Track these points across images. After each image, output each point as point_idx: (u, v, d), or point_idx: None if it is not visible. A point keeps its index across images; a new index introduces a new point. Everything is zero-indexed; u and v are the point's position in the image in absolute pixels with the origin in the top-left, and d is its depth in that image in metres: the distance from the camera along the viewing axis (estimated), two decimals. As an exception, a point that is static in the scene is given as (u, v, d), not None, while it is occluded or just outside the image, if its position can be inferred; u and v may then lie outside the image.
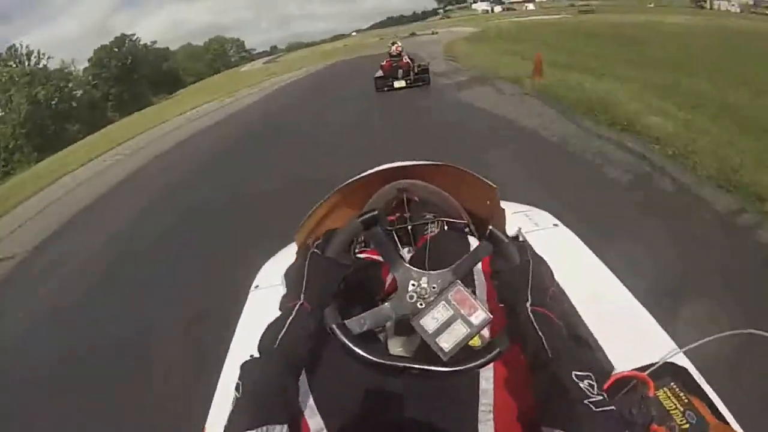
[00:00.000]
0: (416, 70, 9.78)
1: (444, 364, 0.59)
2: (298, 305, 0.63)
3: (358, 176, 0.96)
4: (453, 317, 0.60)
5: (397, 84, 9.59)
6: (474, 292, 0.64)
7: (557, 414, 0.51)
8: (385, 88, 9.62)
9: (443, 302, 0.61)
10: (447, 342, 0.59)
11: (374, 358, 0.61)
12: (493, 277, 0.65)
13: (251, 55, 77.77)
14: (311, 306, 0.63)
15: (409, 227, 0.91)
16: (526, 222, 1.13)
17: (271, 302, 0.92)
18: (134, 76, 44.74)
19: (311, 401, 0.63)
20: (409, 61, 9.97)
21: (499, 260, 0.64)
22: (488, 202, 0.96)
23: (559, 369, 0.53)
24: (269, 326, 0.63)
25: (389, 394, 0.63)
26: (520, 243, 0.67)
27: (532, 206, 1.26)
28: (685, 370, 0.59)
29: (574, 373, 0.52)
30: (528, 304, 0.59)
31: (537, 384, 0.56)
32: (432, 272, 0.65)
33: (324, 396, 0.64)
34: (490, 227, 0.64)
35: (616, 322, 0.67)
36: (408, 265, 0.67)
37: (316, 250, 0.69)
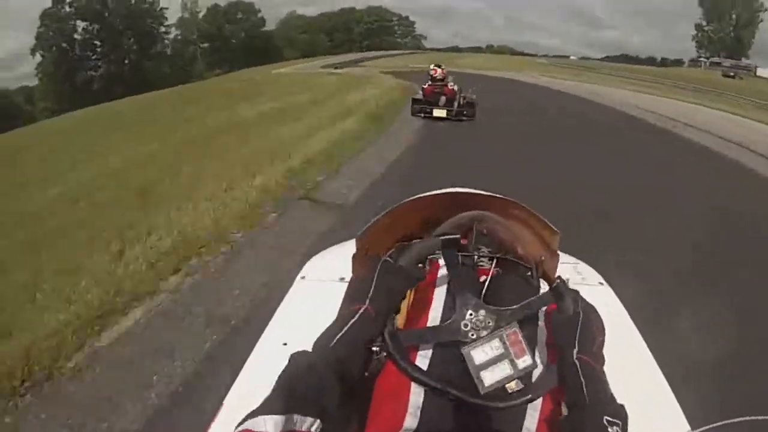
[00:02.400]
0: (461, 102, 8.70)
1: (478, 397, 0.61)
2: (362, 309, 0.63)
3: (425, 194, 1.01)
4: (502, 356, 0.63)
5: (436, 112, 8.51)
6: (534, 335, 0.69)
7: None
8: (422, 114, 8.54)
9: (497, 339, 0.63)
10: (489, 378, 0.61)
11: (417, 375, 0.62)
12: (549, 323, 0.70)
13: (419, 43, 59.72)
14: (375, 312, 0.63)
15: (476, 258, 0.87)
16: (573, 275, 1.16)
17: (314, 295, 1.04)
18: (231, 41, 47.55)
19: (416, 398, 0.63)
20: (454, 88, 8.88)
21: (556, 310, 0.69)
22: (546, 246, 0.96)
23: (594, 413, 0.56)
24: (330, 326, 0.62)
25: (434, 415, 0.63)
26: (574, 292, 0.69)
27: (580, 261, 1.28)
28: None
29: (605, 418, 0.55)
30: (574, 352, 0.62)
31: (568, 423, 0.59)
32: (491, 307, 0.67)
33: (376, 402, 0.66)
34: (559, 279, 0.70)
35: (637, 393, 0.65)
36: (470, 294, 0.69)
37: (388, 259, 0.70)
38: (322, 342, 0.60)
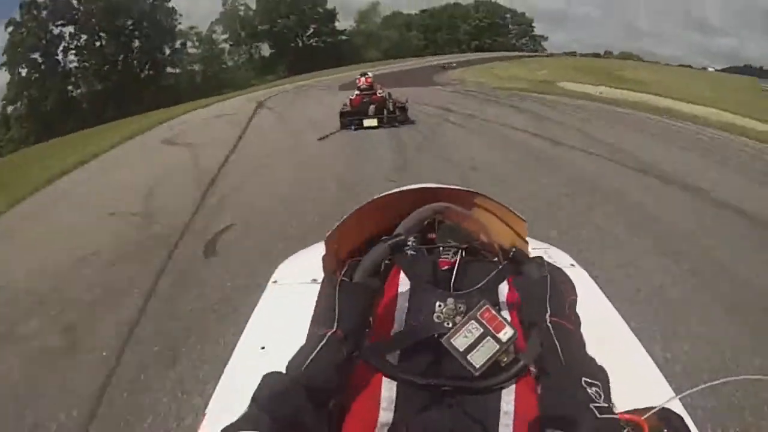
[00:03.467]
0: (391, 108, 8.15)
1: (476, 380, 0.62)
2: (329, 333, 0.63)
3: (392, 191, 1.04)
4: (483, 335, 0.63)
5: (367, 122, 7.93)
6: (500, 312, 0.66)
7: (563, 416, 0.54)
8: (352, 127, 7.94)
9: (473, 321, 0.64)
10: (478, 359, 0.62)
11: (409, 377, 0.63)
12: (515, 292, 0.71)
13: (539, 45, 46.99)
14: (344, 333, 0.64)
15: (440, 249, 0.88)
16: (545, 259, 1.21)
17: (288, 298, 1.06)
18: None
19: (389, 392, 0.64)
20: (383, 95, 8.35)
21: (521, 278, 0.72)
22: (514, 235, 0.98)
23: (570, 374, 0.57)
24: (300, 349, 0.64)
25: (410, 417, 0.63)
26: (538, 259, 0.73)
27: (551, 245, 1.30)
28: (680, 417, 0.61)
29: (583, 379, 0.55)
30: (547, 315, 0.64)
31: (546, 389, 0.60)
32: (457, 293, 0.70)
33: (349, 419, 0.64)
34: (515, 248, 0.74)
35: (618, 364, 0.66)
36: (433, 287, 0.71)
37: (344, 278, 0.72)
38: (294, 364, 0.61)
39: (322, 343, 0.62)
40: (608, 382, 0.57)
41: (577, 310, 0.74)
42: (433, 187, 1.04)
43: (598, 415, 0.52)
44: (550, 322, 0.63)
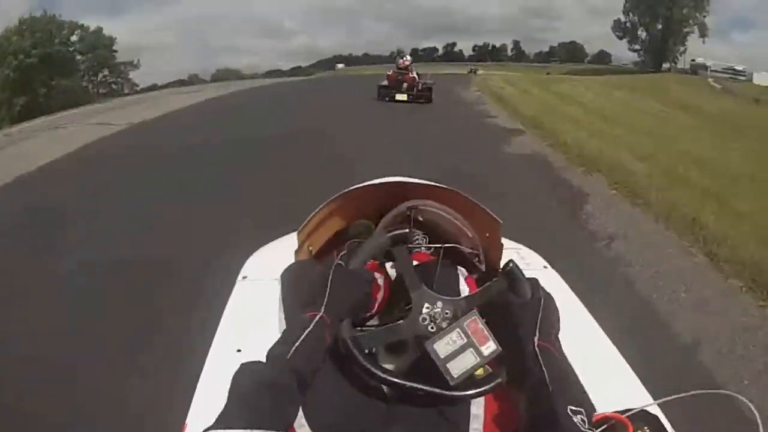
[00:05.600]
0: (420, 87, 10.06)
1: (449, 389, 0.61)
2: (317, 317, 0.62)
3: (363, 183, 1.02)
4: (465, 346, 0.62)
5: (398, 96, 9.85)
6: (486, 325, 0.64)
7: None
8: (387, 99, 9.87)
9: (458, 330, 0.63)
10: (456, 369, 0.61)
11: (386, 376, 0.62)
12: (504, 309, 0.67)
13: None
14: (330, 319, 0.63)
15: (422, 248, 0.92)
16: (517, 261, 1.11)
17: (258, 294, 0.94)
18: None
19: (301, 412, 0.61)
20: (414, 76, 10.24)
21: (512, 294, 0.67)
22: (487, 235, 0.97)
23: (557, 403, 0.54)
24: (284, 334, 0.63)
25: (380, 414, 0.63)
26: (533, 279, 0.70)
27: (522, 246, 1.27)
28: (656, 417, 0.62)
29: (569, 407, 0.53)
30: (536, 339, 0.61)
31: (532, 415, 0.58)
32: (447, 298, 0.68)
33: (315, 410, 0.61)
34: (512, 262, 0.69)
35: (595, 368, 0.68)
36: (425, 288, 0.69)
37: (340, 262, 0.70)
38: (277, 352, 0.58)
39: (308, 329, 0.60)
40: (592, 406, 0.56)
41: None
42: (404, 181, 1.03)
43: None
44: (537, 346, 0.60)
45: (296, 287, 0.80)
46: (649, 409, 0.61)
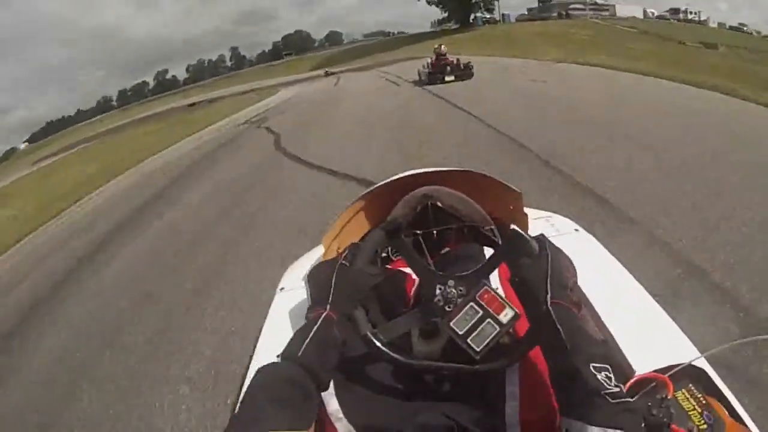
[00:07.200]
0: (462, 67, 12.10)
1: (475, 364, 0.61)
2: (323, 314, 0.64)
3: (381, 182, 1.06)
4: (482, 317, 0.62)
5: (447, 78, 11.81)
6: (498, 292, 0.64)
7: (575, 404, 0.51)
8: (437, 81, 11.80)
9: (472, 303, 0.63)
10: (478, 342, 0.61)
11: (409, 361, 0.64)
12: (514, 273, 0.67)
13: None
14: (336, 315, 0.65)
15: (435, 233, 0.93)
16: (548, 228, 1.13)
17: (296, 304, 1.00)
18: None
19: (337, 407, 0.64)
20: (454, 60, 12.26)
21: (521, 257, 0.66)
22: (511, 208, 1.01)
23: (577, 360, 0.53)
24: (294, 335, 0.64)
25: (417, 399, 0.65)
26: (539, 237, 0.69)
27: (552, 213, 1.26)
28: (704, 372, 0.59)
29: (591, 365, 0.52)
30: (548, 297, 0.60)
31: (554, 375, 0.57)
32: (457, 275, 0.68)
33: (350, 403, 0.65)
34: (512, 225, 0.68)
35: (636, 325, 0.67)
36: (433, 269, 0.71)
37: (344, 262, 0.71)
38: (290, 351, 0.61)
39: (316, 326, 0.63)
40: (615, 361, 0.54)
41: (589, 274, 0.72)
42: (423, 172, 1.05)
43: (611, 401, 0.49)
44: (550, 305, 0.59)
45: (310, 289, 0.84)
46: (696, 363, 0.59)
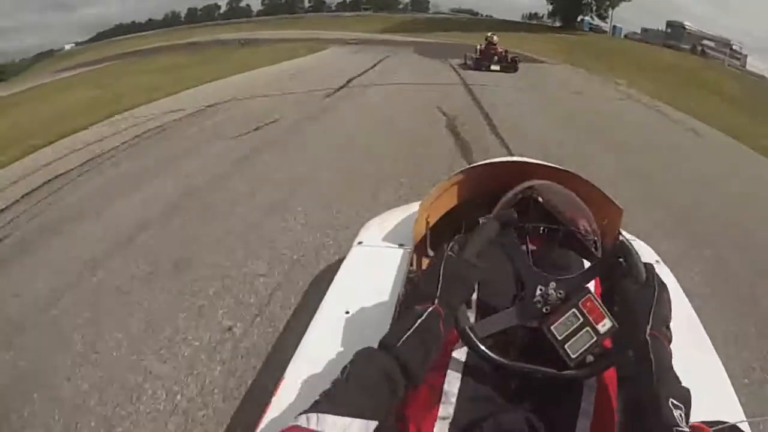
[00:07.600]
0: (508, 60, 12.71)
1: (569, 370, 0.61)
2: (430, 308, 0.63)
3: (482, 162, 1.08)
4: (582, 325, 0.62)
5: (493, 67, 12.48)
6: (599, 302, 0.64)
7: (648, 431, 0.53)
8: (483, 68, 12.50)
9: (574, 310, 0.63)
10: (574, 349, 0.61)
11: (502, 360, 0.64)
12: (618, 292, 0.67)
13: None
14: (444, 310, 0.64)
15: (541, 229, 0.91)
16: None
17: (373, 261, 1.03)
18: None
19: (456, 390, 0.66)
20: (502, 51, 12.86)
21: (627, 278, 0.66)
22: (605, 222, 0.98)
23: (660, 392, 0.54)
24: (397, 323, 0.64)
25: (495, 399, 0.66)
26: (648, 265, 0.68)
27: (636, 238, 1.25)
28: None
29: (671, 400, 0.53)
30: (648, 327, 0.61)
31: (629, 404, 0.58)
32: (560, 278, 0.67)
33: (462, 387, 0.66)
34: (622, 237, 0.70)
35: (692, 371, 0.65)
36: (537, 269, 0.69)
37: (451, 253, 0.70)
38: (390, 340, 0.60)
39: (421, 319, 0.61)
40: (690, 403, 0.55)
41: None
42: (525, 161, 1.03)
43: None
44: (649, 335, 0.59)
45: (418, 278, 0.83)
46: (740, 425, 0.59)
